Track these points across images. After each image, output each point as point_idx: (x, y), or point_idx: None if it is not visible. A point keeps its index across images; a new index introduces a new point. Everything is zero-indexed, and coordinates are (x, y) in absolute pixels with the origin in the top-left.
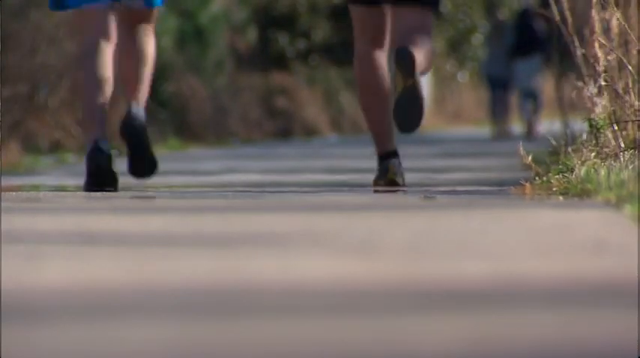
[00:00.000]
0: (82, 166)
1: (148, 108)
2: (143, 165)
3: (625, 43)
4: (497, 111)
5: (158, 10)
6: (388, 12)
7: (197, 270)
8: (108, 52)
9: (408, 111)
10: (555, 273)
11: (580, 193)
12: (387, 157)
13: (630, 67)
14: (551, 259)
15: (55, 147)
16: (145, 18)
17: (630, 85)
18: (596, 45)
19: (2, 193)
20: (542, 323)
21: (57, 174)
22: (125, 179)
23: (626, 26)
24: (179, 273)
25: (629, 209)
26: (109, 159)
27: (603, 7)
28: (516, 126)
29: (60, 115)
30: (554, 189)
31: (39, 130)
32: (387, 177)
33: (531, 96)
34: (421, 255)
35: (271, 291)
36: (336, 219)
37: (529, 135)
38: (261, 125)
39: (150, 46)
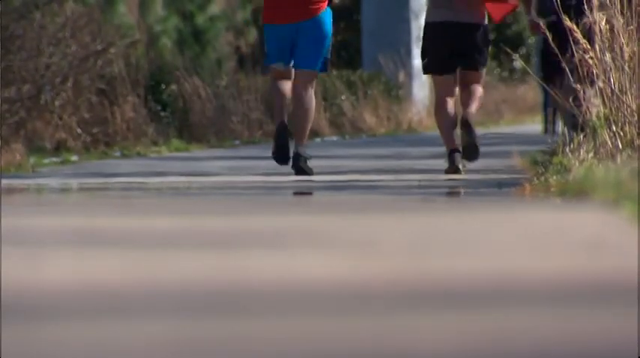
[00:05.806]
0: (85, 166)
1: (151, 110)
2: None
3: (620, 45)
4: (549, 109)
5: (316, 73)
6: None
7: (198, 270)
8: (287, 86)
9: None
10: (554, 273)
11: (578, 193)
12: (452, 152)
13: (627, 68)
14: (549, 259)
15: (59, 148)
16: (304, 78)
17: (627, 86)
18: (597, 47)
19: (3, 193)
20: (541, 322)
21: (60, 174)
22: (126, 179)
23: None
24: (180, 273)
25: (626, 209)
26: (288, 134)
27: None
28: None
29: (64, 116)
30: (552, 189)
31: (43, 131)
32: (454, 166)
33: None
34: (421, 255)
35: (271, 291)
36: (336, 219)
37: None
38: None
39: (308, 101)
